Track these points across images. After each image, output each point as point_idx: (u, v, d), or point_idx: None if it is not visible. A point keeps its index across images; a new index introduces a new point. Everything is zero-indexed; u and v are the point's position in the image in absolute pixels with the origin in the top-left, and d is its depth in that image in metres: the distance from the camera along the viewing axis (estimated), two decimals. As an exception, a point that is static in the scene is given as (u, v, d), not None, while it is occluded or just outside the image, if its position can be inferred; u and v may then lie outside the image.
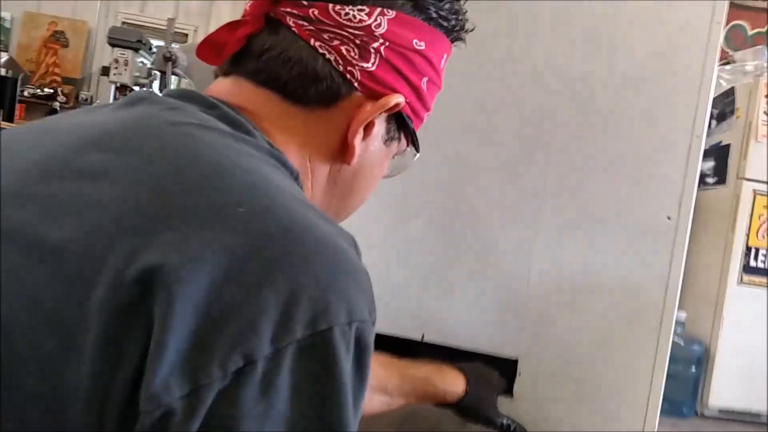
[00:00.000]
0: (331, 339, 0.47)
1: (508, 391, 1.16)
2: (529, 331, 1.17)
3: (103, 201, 0.49)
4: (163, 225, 0.47)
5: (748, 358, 3.42)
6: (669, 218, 1.14)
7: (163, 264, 0.45)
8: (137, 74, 4.05)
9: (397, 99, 0.66)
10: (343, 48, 0.63)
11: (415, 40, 0.66)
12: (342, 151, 0.67)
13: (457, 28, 0.71)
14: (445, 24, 0.69)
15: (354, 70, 0.64)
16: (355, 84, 0.64)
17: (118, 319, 0.45)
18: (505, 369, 1.15)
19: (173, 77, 3.64)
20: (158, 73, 3.79)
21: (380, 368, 1.01)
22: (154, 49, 3.89)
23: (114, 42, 4.03)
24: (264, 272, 0.46)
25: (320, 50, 0.63)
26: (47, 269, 0.47)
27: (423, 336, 1.17)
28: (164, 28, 4.14)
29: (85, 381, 0.44)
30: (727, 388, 3.44)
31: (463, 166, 1.18)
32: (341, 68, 0.63)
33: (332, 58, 0.63)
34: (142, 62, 4.03)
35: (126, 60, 4.01)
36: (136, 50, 4.02)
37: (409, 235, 1.18)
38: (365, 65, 0.64)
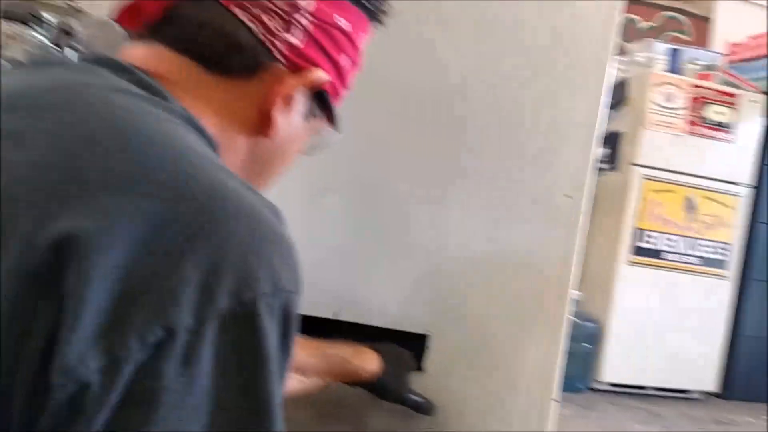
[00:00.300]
0: (256, 309, 0.46)
1: (419, 367, 1.19)
2: (440, 307, 1.20)
3: (12, 163, 0.47)
4: (78, 190, 0.45)
5: (637, 335, 3.63)
6: (568, 196, 1.20)
7: (79, 231, 0.43)
8: (30, 49, 3.84)
9: (319, 74, 0.65)
10: (267, 19, 0.62)
11: (340, 18, 0.66)
12: (261, 124, 0.65)
13: (381, 10, 0.71)
14: (369, 6, 0.69)
15: (277, 42, 0.62)
16: (278, 56, 0.63)
17: (29, 286, 0.43)
18: (416, 345, 1.18)
19: (72, 51, 3.49)
20: (54, 47, 3.61)
21: (297, 348, 1.01)
22: (51, 23, 3.70)
23: (3, 15, 3.82)
24: (185, 240, 0.45)
25: (243, 19, 0.61)
26: None
27: (337, 314, 1.18)
28: (60, 3, 3.96)
29: None
30: (617, 364, 3.64)
31: (378, 144, 1.20)
32: (264, 39, 0.62)
33: (255, 29, 0.61)
34: (35, 36, 3.83)
35: (17, 35, 3.81)
36: (28, 24, 3.82)
37: (324, 211, 1.19)
38: (289, 38, 0.63)
